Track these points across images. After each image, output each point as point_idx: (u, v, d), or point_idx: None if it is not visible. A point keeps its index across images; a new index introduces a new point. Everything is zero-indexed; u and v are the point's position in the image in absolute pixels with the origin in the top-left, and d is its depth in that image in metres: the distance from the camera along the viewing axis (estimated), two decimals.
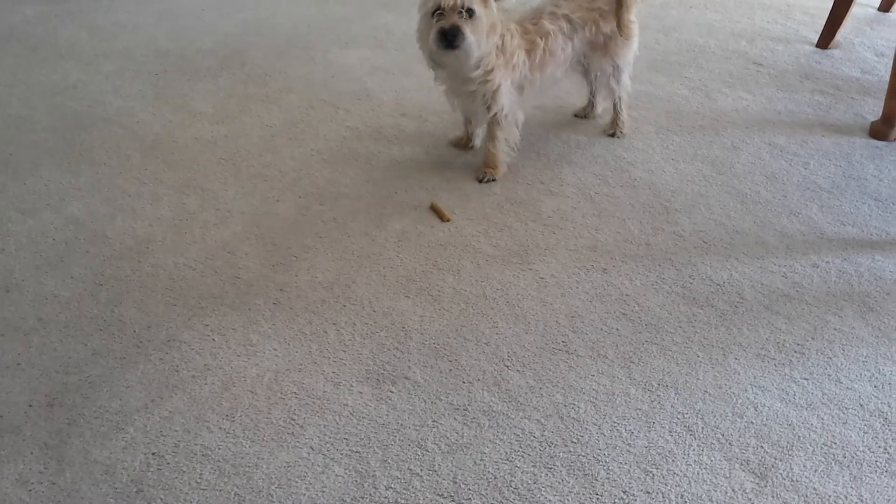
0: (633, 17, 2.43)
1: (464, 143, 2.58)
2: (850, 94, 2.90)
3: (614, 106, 2.62)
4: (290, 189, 2.38)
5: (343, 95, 2.90)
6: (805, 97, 2.89)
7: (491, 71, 2.25)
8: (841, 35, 3.25)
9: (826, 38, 3.24)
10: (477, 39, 2.16)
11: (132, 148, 2.57)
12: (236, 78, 3.03)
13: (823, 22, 3.24)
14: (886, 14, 3.55)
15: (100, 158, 2.52)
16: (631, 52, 2.53)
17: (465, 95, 2.35)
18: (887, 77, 2.65)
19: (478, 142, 2.56)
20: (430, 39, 2.16)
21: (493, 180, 2.41)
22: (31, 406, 1.68)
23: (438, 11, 2.13)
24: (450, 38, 2.13)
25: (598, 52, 2.47)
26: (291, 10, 3.61)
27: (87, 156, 2.53)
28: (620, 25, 2.41)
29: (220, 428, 1.64)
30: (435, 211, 2.29)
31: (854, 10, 3.22)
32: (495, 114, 2.34)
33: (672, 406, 1.69)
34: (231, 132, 2.67)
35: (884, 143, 2.62)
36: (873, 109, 2.77)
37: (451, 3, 2.11)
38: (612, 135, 2.64)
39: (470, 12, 2.12)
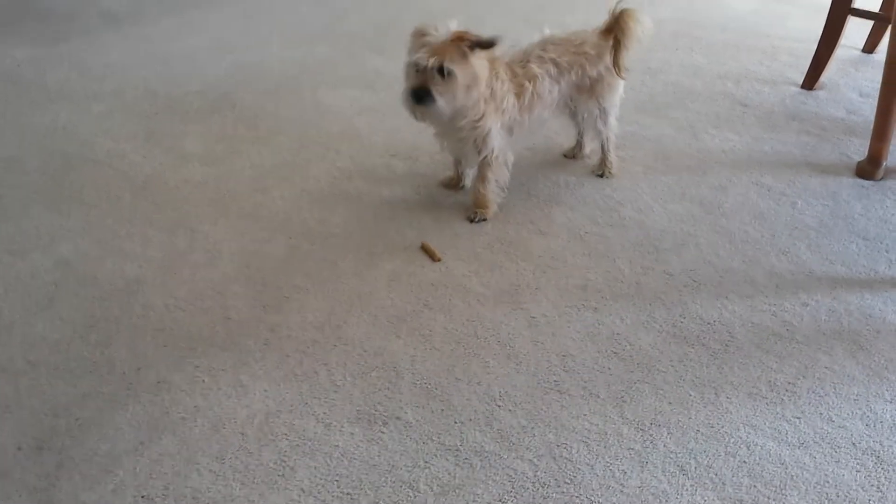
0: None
1: (454, 184, 2.59)
2: (836, 135, 2.93)
3: (602, 147, 2.64)
4: (281, 229, 2.38)
5: (333, 136, 2.91)
6: (791, 137, 2.92)
7: (480, 118, 2.28)
8: (826, 76, 3.29)
9: (811, 80, 3.28)
10: (449, 98, 2.18)
11: (122, 189, 2.57)
12: (227, 119, 3.04)
13: (808, 63, 3.28)
14: (870, 55, 3.59)
15: (90, 200, 2.52)
16: (617, 95, 2.56)
17: (456, 140, 2.37)
18: (872, 117, 2.68)
19: (468, 182, 2.57)
20: (402, 95, 2.21)
21: (484, 220, 2.42)
22: (19, 449, 1.66)
23: (416, 69, 2.17)
24: (418, 97, 2.17)
25: (584, 95, 2.49)
26: (281, 53, 3.64)
27: (78, 197, 2.53)
28: (617, 66, 2.43)
29: (210, 470, 1.62)
30: (426, 251, 2.29)
31: (838, 52, 3.26)
32: (486, 156, 2.35)
33: (665, 445, 1.68)
34: (221, 173, 2.67)
35: (870, 182, 2.64)
36: (859, 149, 2.80)
37: (425, 64, 2.14)
38: (601, 175, 2.66)
39: (442, 72, 2.15)
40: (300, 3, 4.29)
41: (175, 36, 3.82)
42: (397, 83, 2.22)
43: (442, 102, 2.18)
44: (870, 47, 3.62)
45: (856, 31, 3.45)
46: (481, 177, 2.41)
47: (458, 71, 2.16)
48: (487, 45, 2.18)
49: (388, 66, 3.44)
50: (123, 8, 4.15)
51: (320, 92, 3.26)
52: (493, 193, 2.43)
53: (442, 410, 1.77)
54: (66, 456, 1.65)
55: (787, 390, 1.83)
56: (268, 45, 3.74)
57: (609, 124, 2.58)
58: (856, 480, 1.61)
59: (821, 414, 1.77)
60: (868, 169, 2.66)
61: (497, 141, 2.34)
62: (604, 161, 2.66)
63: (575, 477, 1.61)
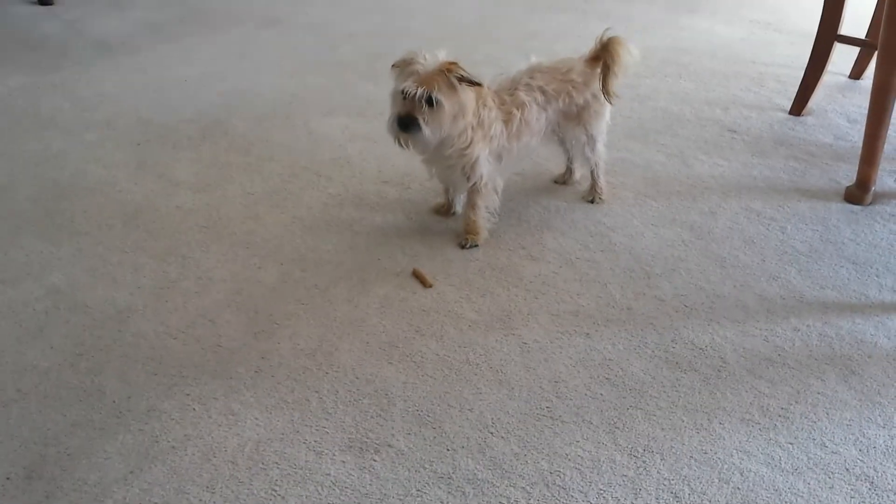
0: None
1: (445, 210, 2.60)
2: (825, 160, 2.95)
3: (591, 173, 2.65)
4: (272, 256, 2.38)
5: (325, 163, 2.92)
6: (780, 163, 2.93)
7: (468, 146, 2.29)
8: (813, 102, 3.31)
9: (799, 106, 3.30)
10: (435, 127, 2.20)
11: (114, 217, 2.57)
12: (218, 147, 3.04)
13: (796, 89, 3.31)
14: (857, 81, 3.62)
15: (81, 228, 2.51)
16: (603, 122, 2.57)
17: (444, 167, 2.38)
18: (860, 142, 2.69)
19: (459, 208, 2.57)
20: (388, 122, 2.22)
21: (475, 246, 2.43)
22: (8, 479, 1.65)
23: (404, 96, 2.18)
24: (404, 125, 2.18)
25: (571, 123, 2.51)
26: (273, 81, 3.65)
27: (69, 225, 2.53)
28: (607, 92, 2.44)
29: (201, 500, 1.61)
30: (417, 277, 2.29)
31: (826, 78, 3.28)
32: (474, 183, 2.36)
33: (658, 472, 1.68)
34: (213, 200, 2.67)
35: (859, 207, 2.65)
36: (847, 174, 2.82)
37: (412, 92, 2.15)
38: (591, 201, 2.67)
39: (431, 101, 2.16)
40: (293, 33, 4.31)
41: (168, 65, 3.84)
42: (388, 111, 2.23)
43: (428, 132, 2.19)
44: (857, 73, 3.65)
45: (843, 57, 3.47)
46: (471, 204, 2.41)
47: (446, 101, 2.17)
48: (473, 84, 2.21)
49: (380, 94, 3.43)
50: (116, 38, 4.17)
51: (312, 119, 3.27)
52: (484, 220, 2.43)
53: (434, 438, 1.76)
54: (55, 485, 1.64)
55: (779, 416, 1.83)
56: (260, 73, 3.75)
57: (597, 151, 2.59)
58: None
59: (814, 439, 1.77)
60: (857, 194, 2.68)
61: (485, 168, 2.35)
62: (594, 187, 2.67)
63: None
